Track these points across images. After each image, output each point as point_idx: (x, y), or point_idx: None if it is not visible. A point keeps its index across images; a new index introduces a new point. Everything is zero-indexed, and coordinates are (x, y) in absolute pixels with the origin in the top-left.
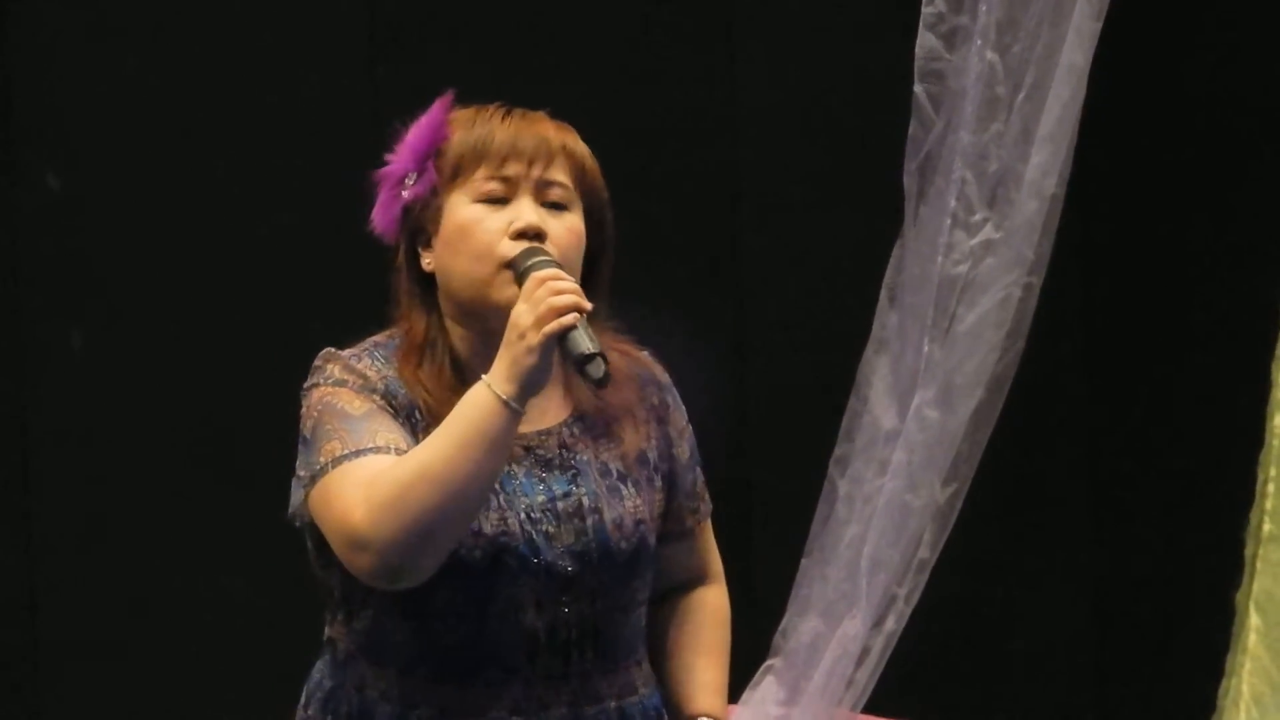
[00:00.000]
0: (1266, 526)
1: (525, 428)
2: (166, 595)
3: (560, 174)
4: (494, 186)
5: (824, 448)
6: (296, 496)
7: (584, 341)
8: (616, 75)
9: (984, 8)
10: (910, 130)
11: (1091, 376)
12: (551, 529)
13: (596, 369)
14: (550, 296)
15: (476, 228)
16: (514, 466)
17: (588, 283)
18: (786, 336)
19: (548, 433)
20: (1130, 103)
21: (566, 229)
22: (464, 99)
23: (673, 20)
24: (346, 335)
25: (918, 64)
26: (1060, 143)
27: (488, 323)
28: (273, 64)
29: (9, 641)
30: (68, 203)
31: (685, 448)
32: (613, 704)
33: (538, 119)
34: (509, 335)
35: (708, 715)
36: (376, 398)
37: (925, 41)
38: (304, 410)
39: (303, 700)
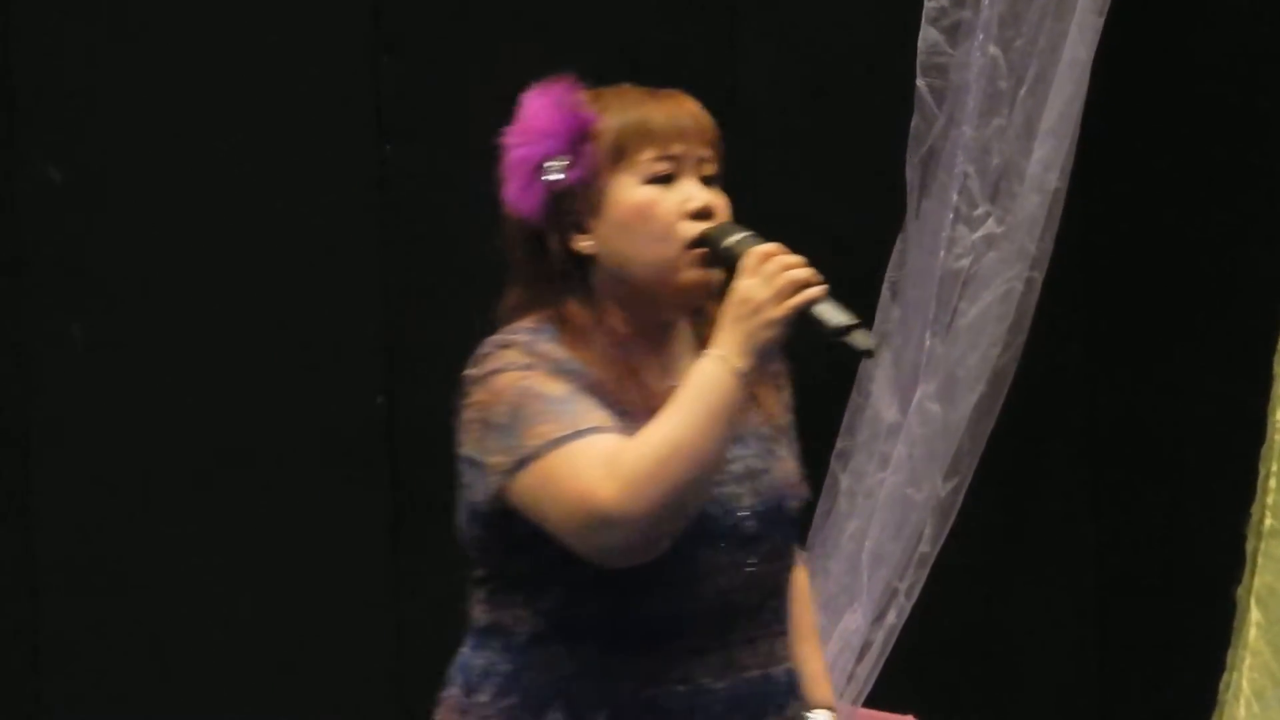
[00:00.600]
0: (1268, 521)
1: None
2: (167, 590)
3: (710, 150)
4: (663, 166)
5: (826, 442)
6: (489, 483)
7: (839, 313)
8: (618, 69)
9: (986, 2)
10: (912, 124)
11: (1093, 371)
12: (733, 490)
13: (864, 338)
14: (784, 270)
15: (655, 209)
16: None
17: None
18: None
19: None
20: (1132, 97)
21: (725, 205)
22: (467, 91)
23: (675, 14)
24: (348, 329)
25: (920, 58)
26: (1062, 137)
27: (664, 302)
28: (275, 55)
29: (10, 633)
30: (69, 195)
31: (792, 421)
32: (786, 665)
33: (682, 97)
34: (738, 310)
35: (823, 708)
36: (568, 377)
37: (927, 36)
38: (483, 398)
39: (459, 688)
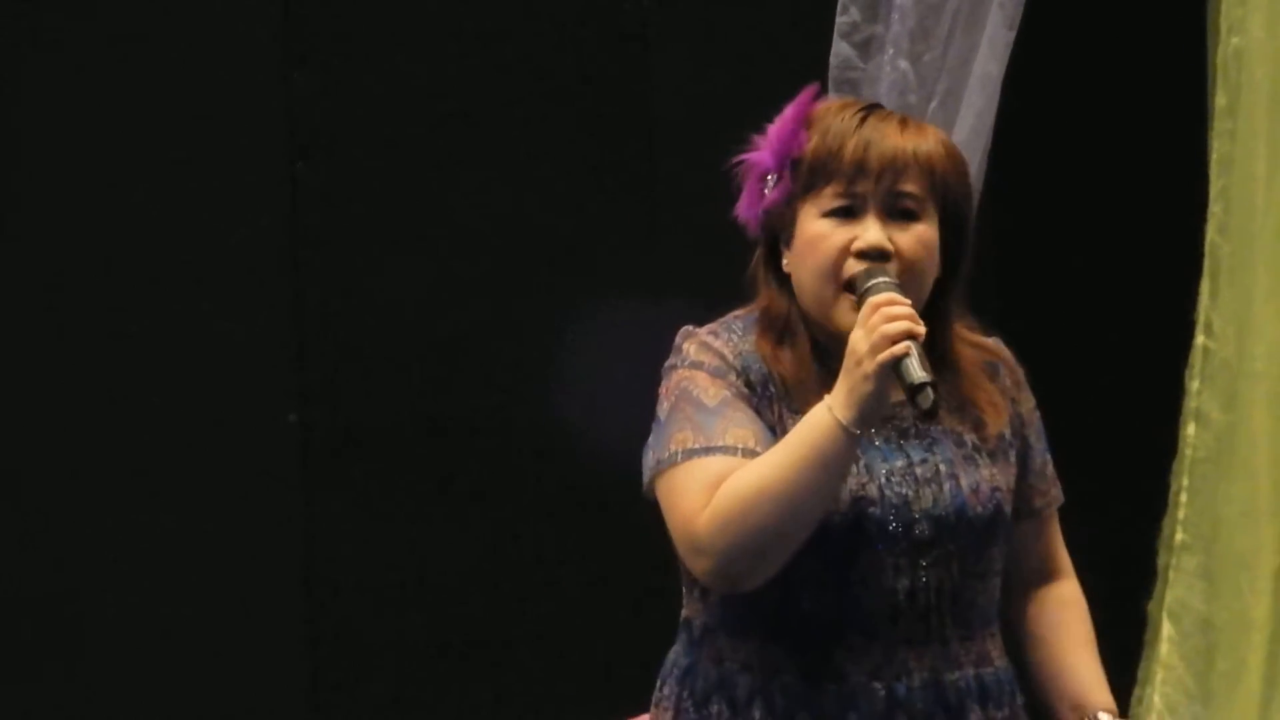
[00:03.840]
0: (1180, 536)
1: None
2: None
3: (910, 184)
4: (841, 203)
5: None
6: (646, 474)
7: (915, 370)
8: (532, 91)
9: (897, 16)
10: None
11: None
12: (910, 493)
13: (925, 399)
14: (884, 324)
15: (821, 244)
16: (873, 434)
17: (947, 284)
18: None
19: (904, 405)
20: (1044, 111)
21: (915, 240)
22: (378, 106)
23: (588, 33)
24: (259, 346)
25: (832, 73)
26: (974, 151)
27: (832, 336)
28: (185, 71)
29: None
30: None
31: (1035, 430)
32: (971, 671)
33: (890, 126)
34: (848, 361)
35: (1106, 710)
36: (732, 377)
37: (839, 50)
38: (663, 389)
39: (659, 683)
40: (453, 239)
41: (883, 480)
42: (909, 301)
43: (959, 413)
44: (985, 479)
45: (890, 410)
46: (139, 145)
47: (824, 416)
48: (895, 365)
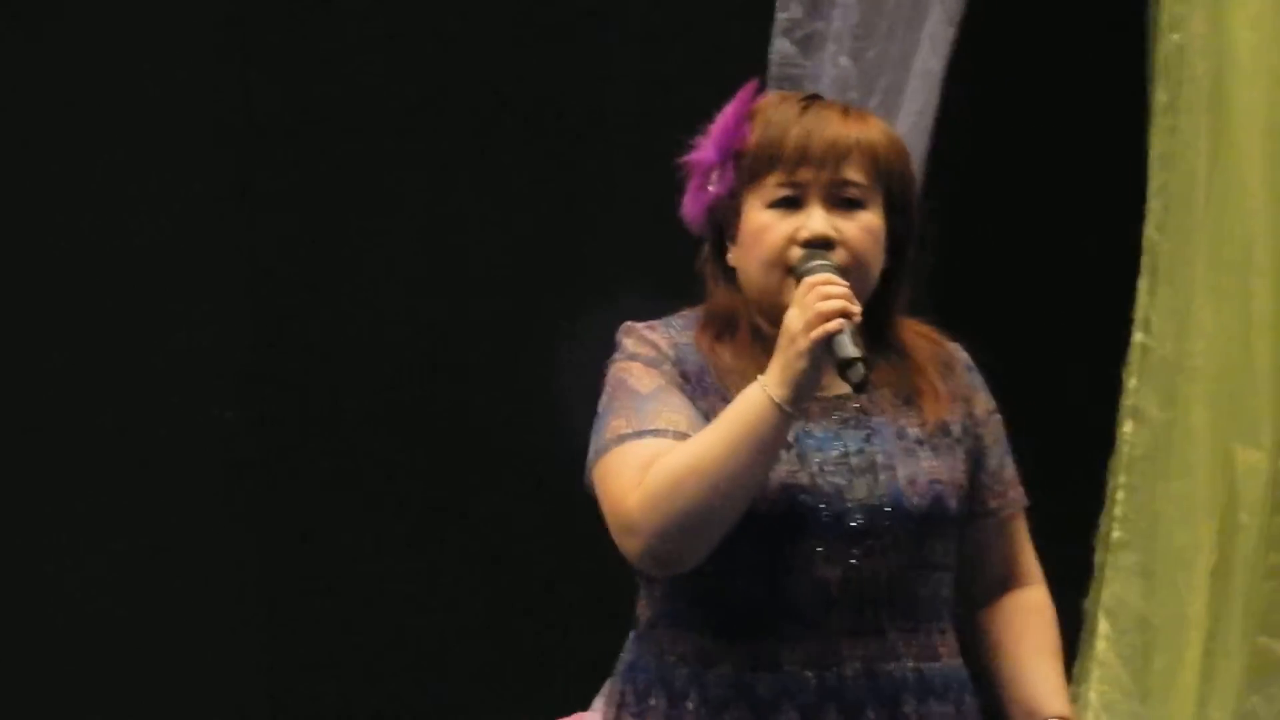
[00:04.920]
0: (1116, 533)
1: (827, 391)
2: (10, 604)
3: (854, 172)
4: (785, 193)
5: None
6: (588, 467)
7: (846, 346)
8: (484, 89)
9: (838, 13)
10: None
11: None
12: (843, 482)
13: (855, 374)
14: (818, 301)
15: (766, 235)
16: (810, 424)
17: (895, 272)
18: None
19: (847, 396)
20: (985, 107)
21: (860, 228)
22: (332, 103)
23: (531, 20)
24: (199, 344)
25: (772, 69)
26: (915, 147)
27: (778, 328)
28: (136, 66)
29: None
30: None
31: (991, 432)
32: (910, 664)
33: (832, 115)
34: (782, 339)
35: (1058, 717)
36: (666, 367)
37: (780, 47)
38: (603, 383)
39: (610, 679)
40: (406, 238)
41: (815, 469)
42: (846, 282)
43: (904, 404)
44: (925, 470)
45: (834, 402)
46: (91, 146)
47: (757, 394)
48: (828, 342)
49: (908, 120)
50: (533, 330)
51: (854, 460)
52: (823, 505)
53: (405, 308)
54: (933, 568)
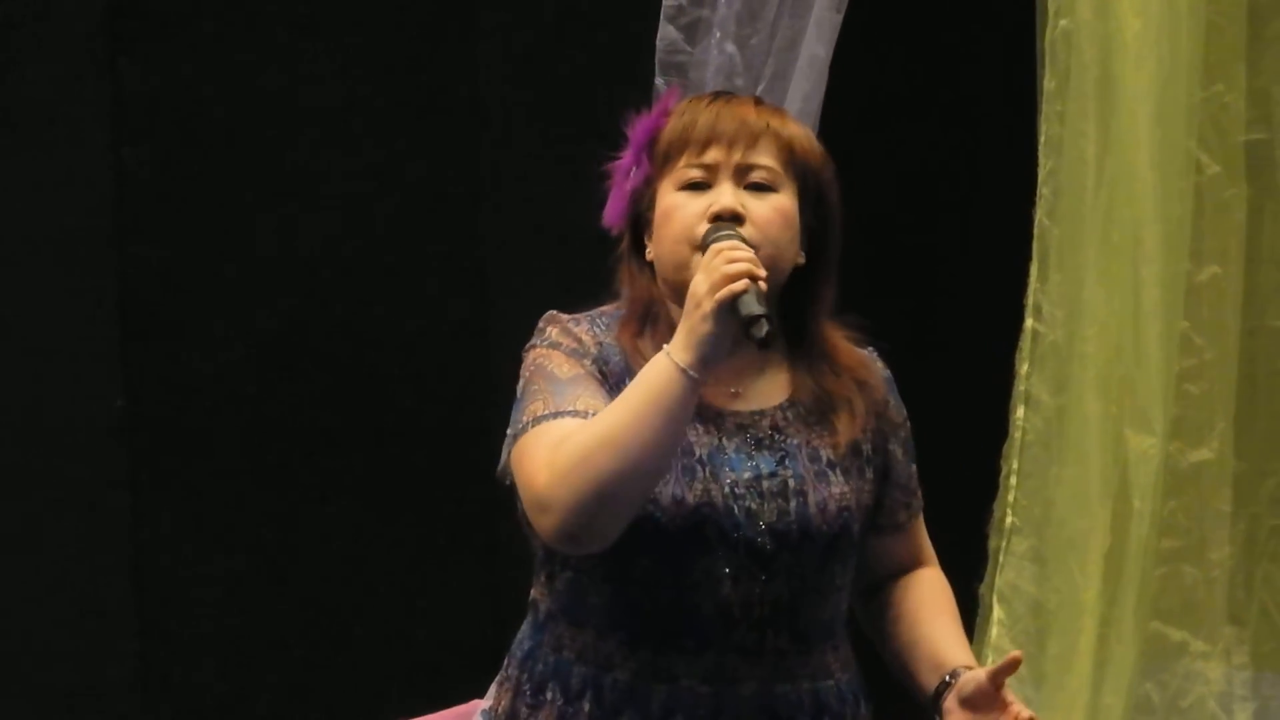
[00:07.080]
0: (1010, 519)
1: (741, 406)
2: None
3: (764, 157)
4: (695, 173)
5: None
6: (504, 455)
7: (751, 304)
8: (359, 76)
9: (723, 0)
10: None
11: None
12: (754, 505)
13: (759, 329)
14: (724, 265)
15: (677, 213)
16: (725, 441)
17: (815, 263)
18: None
19: (762, 413)
20: (872, 94)
21: (770, 208)
22: (204, 89)
23: (415, 11)
24: (85, 332)
25: (659, 56)
26: None
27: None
28: (8, 54)
29: None
30: None
31: (901, 442)
32: (805, 685)
33: (742, 103)
34: (687, 305)
35: (964, 666)
36: (587, 363)
37: (666, 34)
38: (522, 369)
39: (506, 660)
40: (279, 226)
41: (727, 490)
42: (751, 250)
43: (818, 422)
44: (835, 497)
45: (748, 419)
46: None
47: (662, 362)
48: (733, 304)
49: (794, 107)
50: (412, 317)
51: (766, 484)
52: (732, 527)
53: (282, 295)
54: (832, 590)
